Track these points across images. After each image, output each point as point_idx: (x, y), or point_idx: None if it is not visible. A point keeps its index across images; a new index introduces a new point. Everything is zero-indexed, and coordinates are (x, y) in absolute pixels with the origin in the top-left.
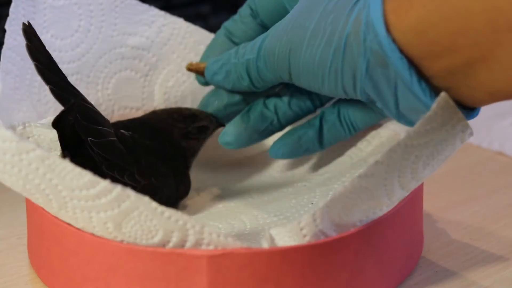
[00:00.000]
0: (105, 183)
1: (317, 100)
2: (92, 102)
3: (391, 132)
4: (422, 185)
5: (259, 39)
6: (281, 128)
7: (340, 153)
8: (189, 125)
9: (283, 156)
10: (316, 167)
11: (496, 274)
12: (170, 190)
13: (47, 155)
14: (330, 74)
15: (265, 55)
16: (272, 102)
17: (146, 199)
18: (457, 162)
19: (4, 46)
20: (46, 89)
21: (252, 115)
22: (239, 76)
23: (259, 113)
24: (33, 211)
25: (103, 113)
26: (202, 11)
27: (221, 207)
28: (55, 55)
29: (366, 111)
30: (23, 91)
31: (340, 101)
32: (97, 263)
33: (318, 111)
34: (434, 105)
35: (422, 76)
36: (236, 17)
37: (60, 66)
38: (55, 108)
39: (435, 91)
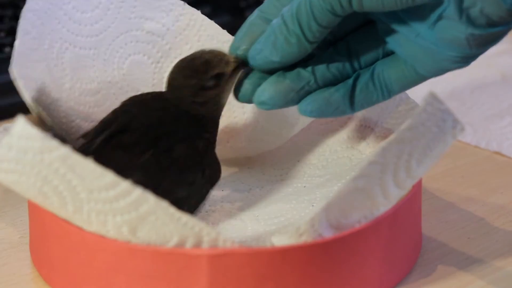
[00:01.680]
0: (125, 184)
1: (356, 63)
2: (109, 79)
3: (387, 132)
4: (420, 185)
5: None
6: (318, 89)
7: (339, 154)
8: (202, 78)
9: (311, 114)
10: (316, 168)
11: (494, 273)
12: (196, 190)
13: (70, 154)
14: None
15: None
16: (309, 63)
17: (164, 204)
18: (455, 162)
19: (25, 8)
20: (64, 56)
21: (288, 74)
22: (286, 35)
23: (296, 72)
24: (35, 210)
25: (119, 91)
26: (202, 12)
27: (221, 207)
28: (74, 27)
29: (403, 70)
30: (40, 53)
31: (378, 62)
32: (99, 262)
33: None
34: (422, 102)
35: None
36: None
37: (78, 38)
38: (72, 75)
39: None
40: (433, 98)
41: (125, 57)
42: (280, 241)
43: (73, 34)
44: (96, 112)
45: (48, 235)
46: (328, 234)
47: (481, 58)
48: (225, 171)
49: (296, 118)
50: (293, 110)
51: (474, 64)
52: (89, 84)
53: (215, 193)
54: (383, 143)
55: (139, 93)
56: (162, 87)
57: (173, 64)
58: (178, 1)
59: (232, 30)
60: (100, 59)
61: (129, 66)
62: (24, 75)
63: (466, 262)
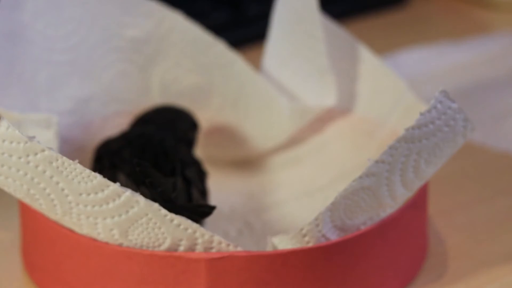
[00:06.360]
0: (114, 186)
1: None
2: (87, 95)
3: (391, 132)
4: (427, 186)
5: None
6: None
7: (341, 155)
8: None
9: None
10: (317, 170)
11: (503, 278)
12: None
13: (55, 156)
14: None
15: None
16: None
17: (155, 205)
18: (462, 162)
19: None
20: (38, 77)
21: None
22: None
23: None
24: (27, 213)
25: (99, 105)
26: (202, 8)
27: (221, 211)
28: (47, 45)
29: None
30: (13, 77)
31: None
32: (93, 266)
33: None
34: (432, 100)
35: None
36: None
37: (52, 56)
38: (48, 97)
39: None
40: (443, 96)
41: (106, 68)
42: (282, 242)
43: (47, 53)
44: (74, 133)
45: (40, 239)
46: (332, 236)
47: (488, 57)
48: (223, 174)
49: (293, 118)
50: (289, 110)
51: (481, 62)
52: (66, 105)
53: (215, 196)
54: (391, 141)
55: (122, 103)
56: (149, 93)
57: (159, 70)
58: (158, 6)
59: (231, 25)
60: (77, 75)
61: (111, 77)
62: (1, 102)
63: (474, 266)
